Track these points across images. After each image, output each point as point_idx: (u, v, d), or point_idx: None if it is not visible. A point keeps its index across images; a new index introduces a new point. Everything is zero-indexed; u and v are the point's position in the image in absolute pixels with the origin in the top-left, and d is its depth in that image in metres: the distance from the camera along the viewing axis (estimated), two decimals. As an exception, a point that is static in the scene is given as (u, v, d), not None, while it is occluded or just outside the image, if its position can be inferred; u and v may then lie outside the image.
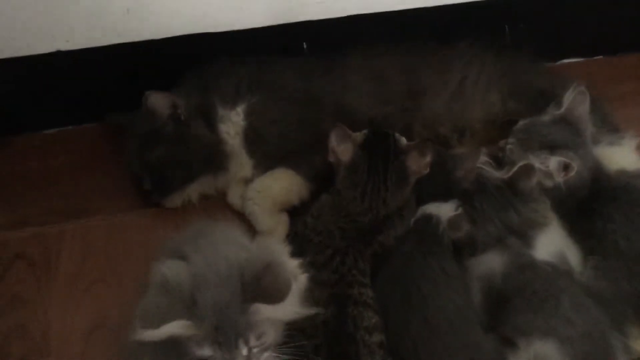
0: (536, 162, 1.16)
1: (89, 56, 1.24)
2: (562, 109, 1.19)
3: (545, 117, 1.21)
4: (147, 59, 1.27)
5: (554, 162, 1.14)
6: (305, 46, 1.34)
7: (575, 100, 1.19)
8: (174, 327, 0.85)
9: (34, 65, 1.24)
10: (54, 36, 1.20)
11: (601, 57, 1.55)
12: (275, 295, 0.88)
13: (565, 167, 1.13)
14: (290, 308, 0.91)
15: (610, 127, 1.29)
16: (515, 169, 1.14)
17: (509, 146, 1.21)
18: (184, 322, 0.86)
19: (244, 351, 0.88)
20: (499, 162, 1.23)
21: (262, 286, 0.88)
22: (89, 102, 1.36)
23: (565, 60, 1.53)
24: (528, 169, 1.13)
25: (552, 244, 1.14)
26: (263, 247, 0.97)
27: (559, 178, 1.14)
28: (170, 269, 0.91)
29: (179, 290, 0.89)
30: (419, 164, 1.15)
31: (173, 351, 0.89)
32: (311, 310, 0.95)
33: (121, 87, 1.30)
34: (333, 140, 1.15)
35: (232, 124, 1.26)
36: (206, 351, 0.87)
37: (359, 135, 1.18)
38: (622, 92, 1.48)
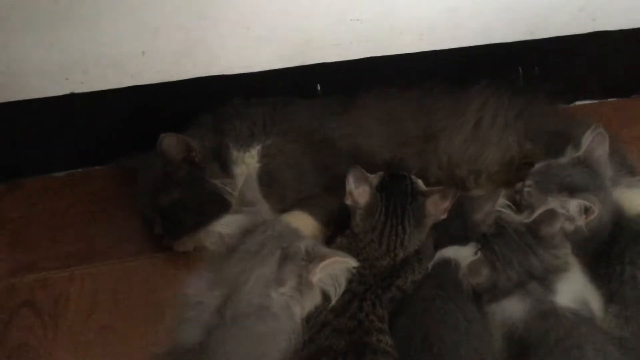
0: (555, 204, 1.14)
1: (102, 98, 1.24)
2: (581, 151, 1.18)
3: (564, 159, 1.19)
4: (161, 101, 1.27)
5: (574, 204, 1.12)
6: (319, 88, 1.34)
7: (594, 142, 1.17)
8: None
9: (47, 107, 1.23)
10: (68, 79, 1.20)
11: (614, 99, 1.54)
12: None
13: (586, 210, 1.11)
14: None
15: (628, 169, 1.27)
16: (537, 213, 1.12)
17: (526, 189, 1.19)
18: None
19: None
20: (517, 204, 1.23)
21: None
22: (99, 145, 1.35)
23: (579, 102, 1.52)
24: (551, 215, 1.10)
25: (574, 290, 1.11)
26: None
27: (580, 221, 1.12)
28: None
29: None
30: (438, 207, 1.13)
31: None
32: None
33: (133, 129, 1.30)
34: (350, 183, 1.14)
35: (246, 166, 1.25)
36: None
37: (375, 178, 1.17)
38: (636, 135, 1.47)
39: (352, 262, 1.05)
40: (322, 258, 1.02)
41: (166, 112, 1.25)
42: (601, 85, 1.51)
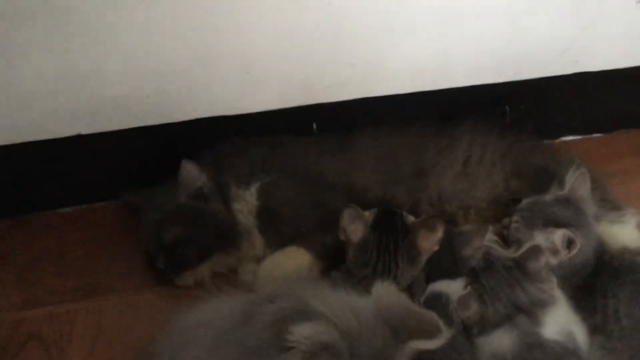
0: (541, 238, 1.19)
1: (108, 139, 1.28)
2: (565, 190, 1.23)
3: (549, 197, 1.25)
4: (164, 141, 1.32)
5: (558, 235, 1.17)
6: (314, 127, 1.39)
7: (577, 181, 1.23)
8: None
9: (55, 148, 1.27)
10: (76, 121, 1.24)
11: (599, 134, 1.60)
12: (426, 331, 0.94)
13: (570, 243, 1.16)
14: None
15: (611, 205, 1.32)
16: (523, 249, 1.16)
17: (513, 224, 1.24)
18: None
19: None
20: (504, 239, 1.28)
21: (412, 326, 0.93)
22: (104, 182, 1.39)
23: (564, 138, 1.58)
24: (536, 250, 1.15)
25: (559, 322, 1.14)
26: (383, 290, 1.00)
27: (564, 255, 1.17)
28: (323, 333, 0.89)
29: (340, 349, 0.89)
30: (429, 240, 1.17)
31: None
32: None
33: (137, 167, 1.35)
34: (345, 220, 1.17)
35: (245, 203, 1.30)
36: None
37: (370, 215, 1.21)
38: (619, 169, 1.53)
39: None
40: None
41: (169, 152, 1.28)
42: (585, 122, 1.57)
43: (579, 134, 1.59)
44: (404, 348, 0.92)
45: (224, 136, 1.33)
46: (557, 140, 1.57)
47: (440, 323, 0.96)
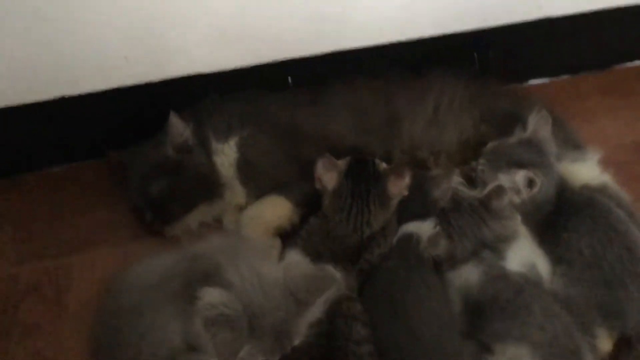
0: (505, 179, 1.26)
1: (91, 100, 1.33)
2: (527, 132, 1.29)
3: (512, 139, 1.30)
4: (145, 101, 1.36)
5: (520, 176, 1.24)
6: (290, 80, 1.44)
7: (538, 124, 1.29)
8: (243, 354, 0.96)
9: (41, 110, 1.32)
10: (59, 84, 1.29)
11: (566, 76, 1.65)
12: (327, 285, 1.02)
13: (530, 182, 1.23)
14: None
15: (573, 145, 1.38)
16: (488, 189, 1.23)
17: (480, 167, 1.30)
18: (249, 348, 0.97)
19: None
20: (473, 181, 1.34)
21: (311, 295, 1.00)
22: (91, 141, 1.44)
23: (532, 81, 1.63)
24: (499, 190, 1.22)
25: (522, 255, 1.22)
26: (293, 260, 1.08)
27: (525, 194, 1.24)
28: (224, 304, 0.96)
29: (238, 321, 0.96)
30: (398, 186, 1.23)
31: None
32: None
33: (120, 126, 1.40)
34: (319, 169, 1.23)
35: (225, 156, 1.35)
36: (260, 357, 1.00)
37: (343, 164, 1.26)
38: (584, 109, 1.59)
39: None
40: None
41: (150, 110, 1.33)
42: (551, 65, 1.61)
43: (547, 76, 1.63)
44: (305, 315, 1.00)
45: (202, 94, 1.38)
46: (525, 84, 1.62)
47: (336, 274, 1.05)
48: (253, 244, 1.16)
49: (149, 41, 1.28)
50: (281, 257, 1.21)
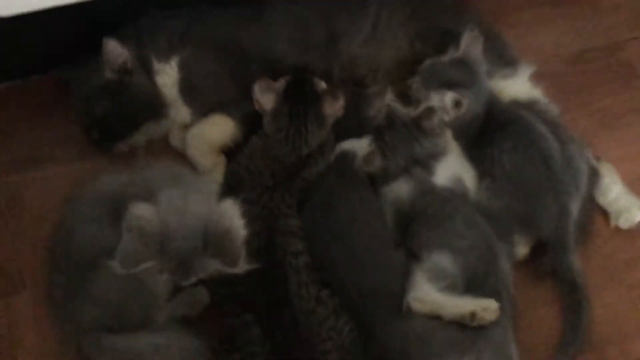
0: (436, 99, 1.32)
1: (30, 19, 1.31)
2: (459, 52, 1.34)
3: (445, 59, 1.35)
4: (87, 17, 1.34)
5: (448, 97, 1.31)
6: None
7: (470, 44, 1.33)
8: (147, 265, 1.06)
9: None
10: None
11: None
12: (231, 260, 1.08)
13: (457, 103, 1.30)
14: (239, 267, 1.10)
15: (506, 61, 1.43)
16: (419, 110, 1.30)
17: (414, 85, 1.35)
18: (154, 263, 1.06)
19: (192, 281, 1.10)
20: (410, 98, 1.40)
21: (220, 248, 1.07)
22: (36, 58, 1.44)
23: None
24: (430, 111, 1.28)
25: (449, 170, 1.31)
26: (225, 210, 1.13)
27: (452, 114, 1.30)
28: (145, 219, 1.06)
29: (152, 237, 1.06)
30: (333, 108, 1.29)
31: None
32: (250, 266, 1.12)
33: (64, 43, 1.40)
34: (257, 92, 1.28)
35: (167, 76, 1.36)
36: (164, 277, 1.10)
37: (280, 84, 1.30)
38: (525, 19, 1.61)
39: None
40: None
41: (92, 27, 1.33)
42: None
43: None
44: (205, 261, 1.08)
45: (143, 10, 1.37)
46: None
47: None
48: (192, 178, 1.22)
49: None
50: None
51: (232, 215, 1.11)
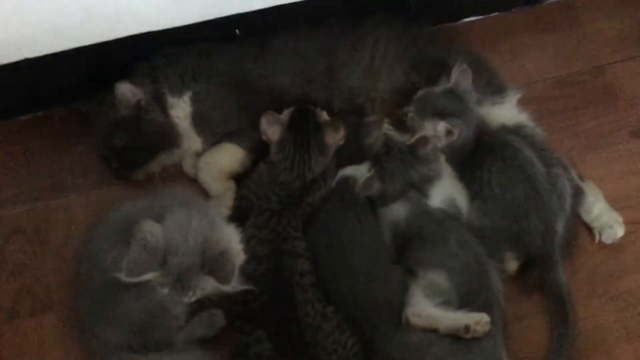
0: (429, 127, 1.41)
1: (52, 60, 1.42)
2: (450, 84, 1.42)
3: (437, 89, 1.43)
4: (102, 58, 1.45)
5: (440, 127, 1.39)
6: (237, 32, 1.51)
7: (460, 76, 1.41)
8: (149, 276, 1.16)
9: (6, 71, 1.41)
10: (20, 48, 1.37)
11: (496, 13, 1.71)
12: (223, 277, 1.17)
13: (449, 132, 1.38)
14: (231, 285, 1.19)
15: (495, 88, 1.50)
16: (414, 139, 1.38)
17: (409, 114, 1.44)
18: (156, 274, 1.17)
19: (191, 298, 1.20)
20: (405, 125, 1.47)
21: (215, 266, 1.17)
22: (56, 91, 1.53)
23: (465, 20, 1.70)
24: (424, 140, 1.37)
25: (444, 193, 1.40)
26: (226, 234, 1.23)
27: (444, 141, 1.39)
28: (151, 234, 1.17)
29: (155, 250, 1.17)
30: (334, 138, 1.38)
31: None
32: (245, 286, 1.22)
33: (83, 81, 1.49)
34: (263, 125, 1.37)
35: (181, 109, 1.45)
36: (165, 291, 1.19)
37: (285, 116, 1.39)
38: (512, 45, 1.68)
39: None
40: None
41: (108, 66, 1.44)
42: (483, 2, 1.68)
43: (480, 14, 1.70)
44: (201, 276, 1.18)
45: (156, 49, 1.47)
46: (459, 22, 1.70)
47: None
48: (200, 202, 1.32)
49: (98, 3, 1.33)
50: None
51: (231, 239, 1.22)
